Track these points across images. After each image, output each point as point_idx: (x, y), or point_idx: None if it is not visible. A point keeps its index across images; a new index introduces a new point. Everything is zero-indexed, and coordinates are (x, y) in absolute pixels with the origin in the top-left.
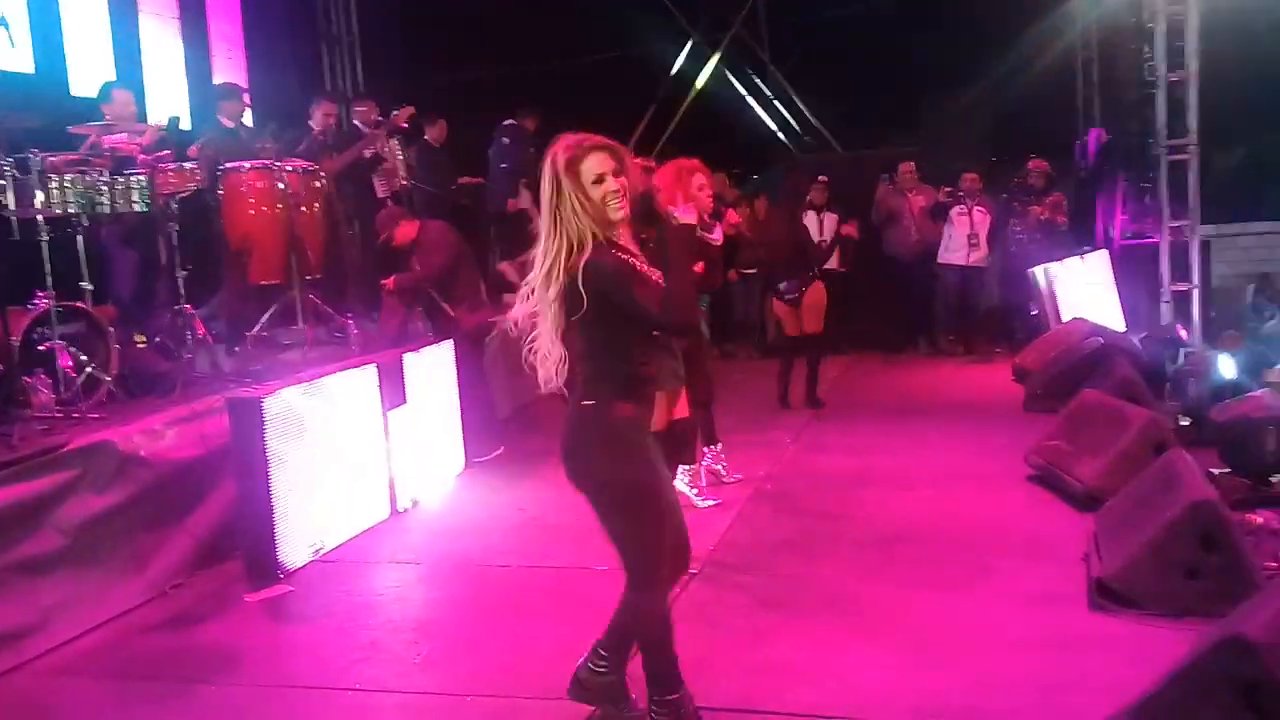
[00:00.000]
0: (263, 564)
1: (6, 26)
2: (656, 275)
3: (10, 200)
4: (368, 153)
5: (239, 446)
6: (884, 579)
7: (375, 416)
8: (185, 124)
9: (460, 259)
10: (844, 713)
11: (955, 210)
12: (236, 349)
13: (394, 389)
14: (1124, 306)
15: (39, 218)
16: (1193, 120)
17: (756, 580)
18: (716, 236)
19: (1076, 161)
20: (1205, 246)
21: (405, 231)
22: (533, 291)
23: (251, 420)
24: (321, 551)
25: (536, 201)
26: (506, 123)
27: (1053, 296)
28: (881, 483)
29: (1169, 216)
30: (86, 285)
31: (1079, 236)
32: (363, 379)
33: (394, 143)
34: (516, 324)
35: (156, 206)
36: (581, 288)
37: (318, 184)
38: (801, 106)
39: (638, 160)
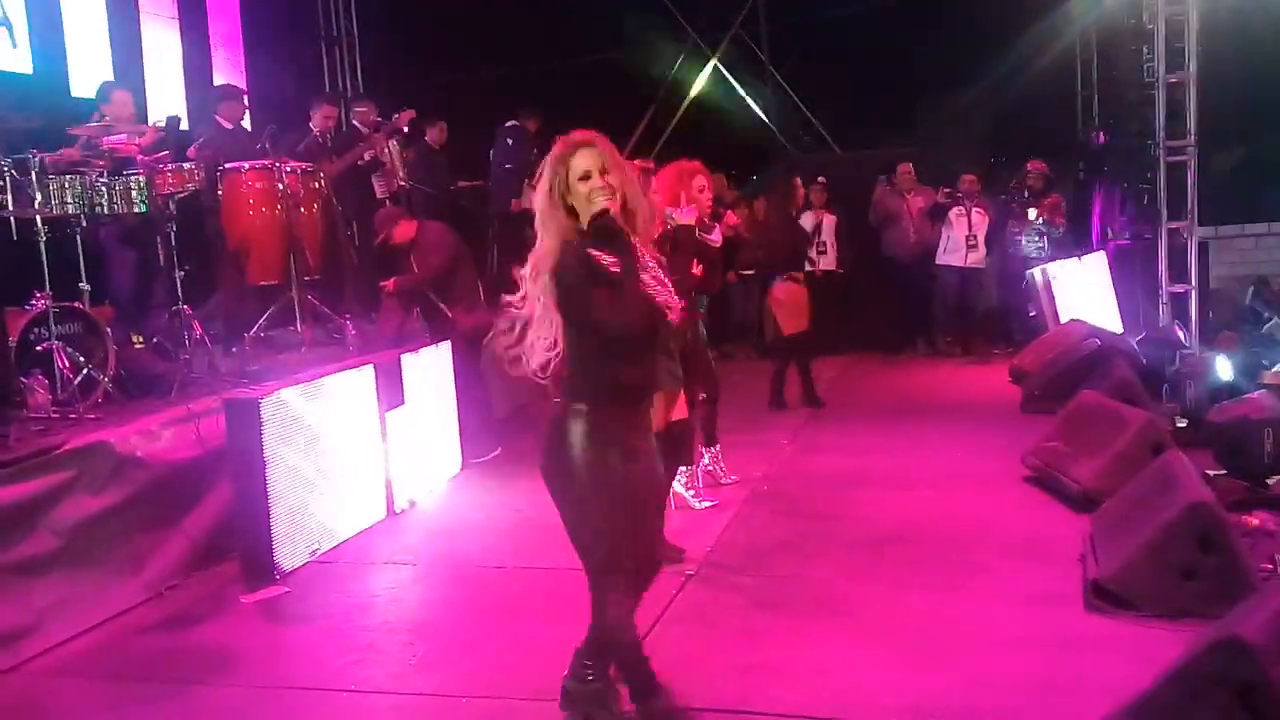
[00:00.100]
0: (259, 565)
1: (7, 27)
2: (650, 278)
3: (9, 200)
4: (367, 156)
5: (236, 447)
6: (881, 580)
7: (373, 417)
8: (184, 124)
9: (458, 260)
10: (841, 713)
11: (954, 211)
12: (234, 349)
13: (392, 390)
14: (1122, 308)
15: (37, 218)
16: (1192, 121)
17: (753, 581)
18: (716, 238)
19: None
20: (1203, 248)
21: (403, 231)
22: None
23: (249, 421)
24: (318, 552)
25: None
26: (509, 124)
27: (1051, 298)
28: (879, 483)
29: (1167, 218)
30: (84, 286)
31: (1077, 238)
32: (360, 380)
33: (393, 143)
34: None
35: (155, 207)
36: (554, 285)
37: (316, 185)
38: (801, 106)
39: (637, 162)
